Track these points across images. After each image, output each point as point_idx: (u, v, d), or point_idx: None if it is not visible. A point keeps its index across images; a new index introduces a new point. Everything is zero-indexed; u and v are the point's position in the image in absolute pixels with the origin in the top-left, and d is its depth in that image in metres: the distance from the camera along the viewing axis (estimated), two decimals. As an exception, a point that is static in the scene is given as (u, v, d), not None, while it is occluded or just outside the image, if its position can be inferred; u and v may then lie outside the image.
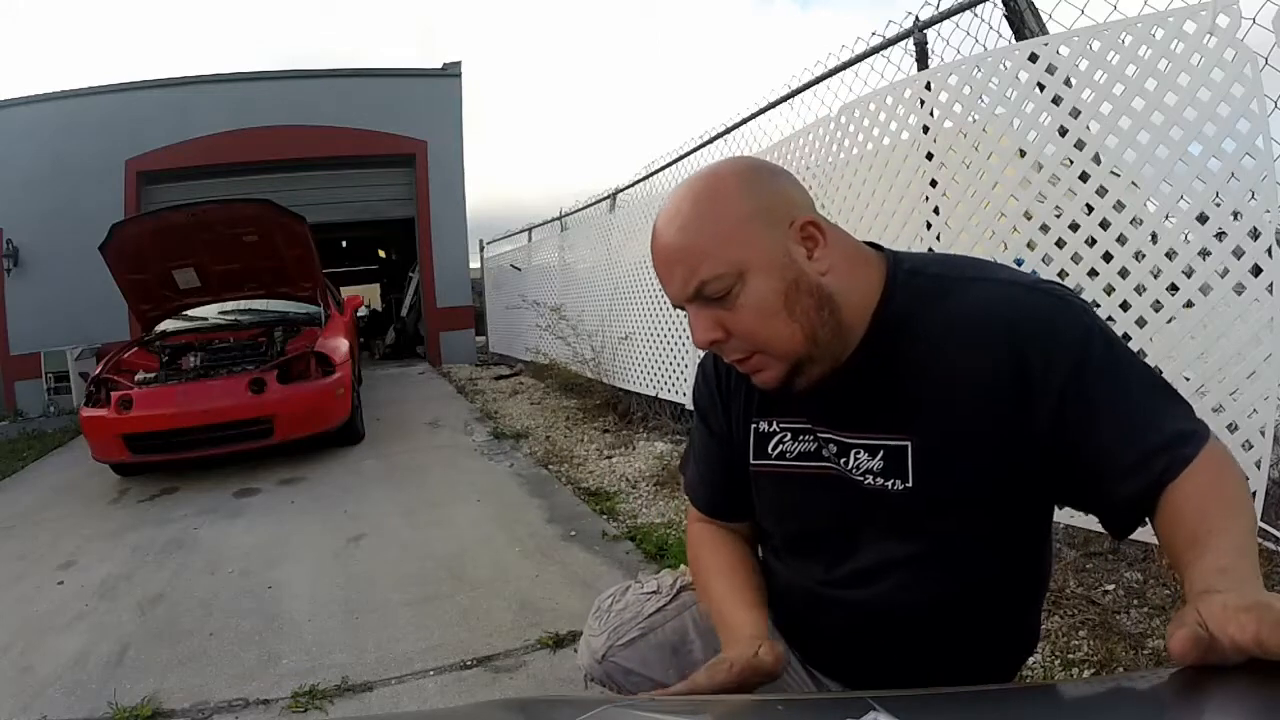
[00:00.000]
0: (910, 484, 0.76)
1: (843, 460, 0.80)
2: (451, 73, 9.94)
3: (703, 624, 0.98)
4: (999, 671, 0.86)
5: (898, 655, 0.81)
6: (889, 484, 0.77)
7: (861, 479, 0.79)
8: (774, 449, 0.86)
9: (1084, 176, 1.96)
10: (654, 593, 1.04)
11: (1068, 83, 1.98)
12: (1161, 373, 0.75)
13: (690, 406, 1.04)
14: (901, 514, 0.77)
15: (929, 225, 2.42)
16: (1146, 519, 0.69)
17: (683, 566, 1.06)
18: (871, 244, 0.82)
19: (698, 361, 1.03)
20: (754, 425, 0.88)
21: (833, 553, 0.83)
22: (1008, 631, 0.84)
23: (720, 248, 0.71)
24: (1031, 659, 1.66)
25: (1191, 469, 0.67)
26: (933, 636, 0.80)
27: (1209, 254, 1.77)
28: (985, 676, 0.83)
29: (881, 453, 0.77)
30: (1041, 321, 0.71)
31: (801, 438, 0.84)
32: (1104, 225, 1.94)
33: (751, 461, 0.89)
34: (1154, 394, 0.71)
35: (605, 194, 6.07)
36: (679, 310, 0.79)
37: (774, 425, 0.86)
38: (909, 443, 0.76)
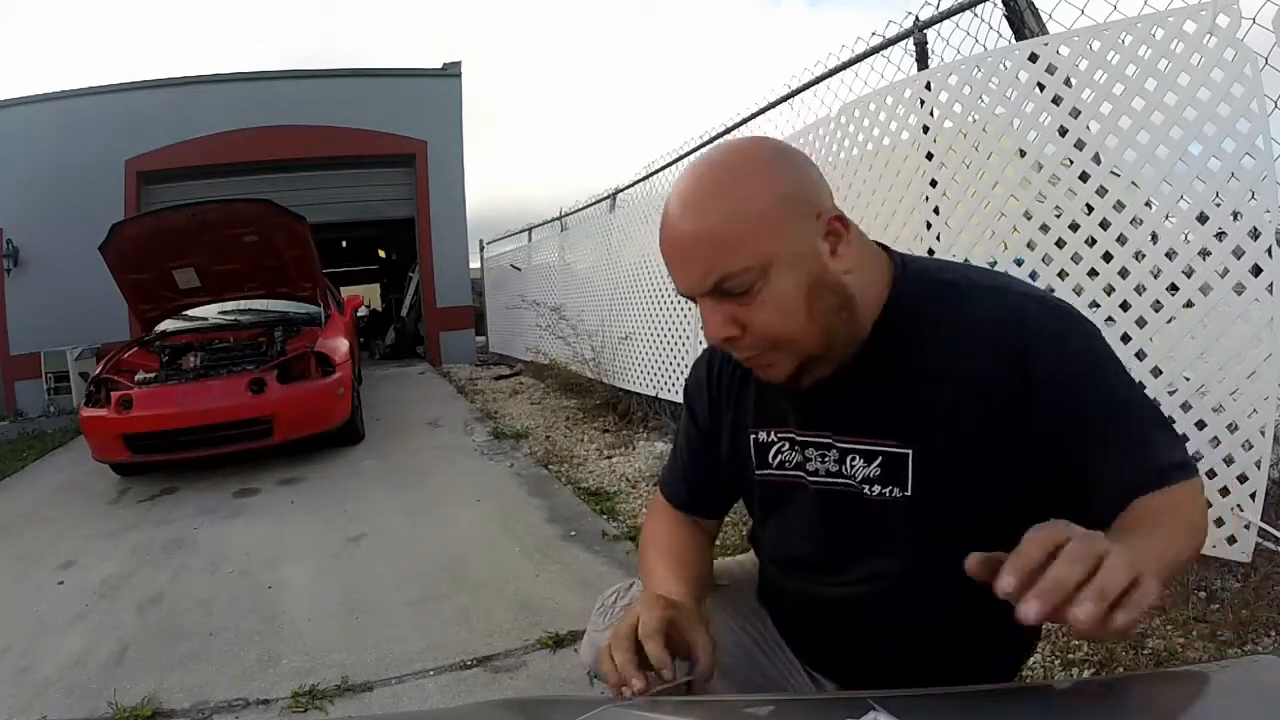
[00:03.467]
0: (909, 492, 0.75)
1: (841, 466, 0.79)
2: (451, 73, 9.93)
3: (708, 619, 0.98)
4: (998, 672, 0.86)
5: (895, 658, 0.81)
6: (887, 491, 0.76)
7: (861, 487, 0.77)
8: (774, 458, 0.85)
9: (1084, 176, 1.96)
10: None
11: (1068, 83, 1.98)
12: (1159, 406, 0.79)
13: None
14: (898, 522, 0.76)
15: (929, 225, 2.42)
16: None
17: None
18: (879, 244, 0.80)
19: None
20: (753, 436, 0.86)
21: (830, 558, 0.83)
22: (1005, 634, 0.84)
23: (748, 237, 0.65)
24: (1031, 659, 1.66)
25: (1165, 490, 0.68)
26: (929, 640, 0.79)
27: (1209, 254, 1.77)
28: (985, 677, 0.82)
29: (880, 459, 0.76)
30: (1054, 337, 0.70)
31: (800, 447, 0.82)
32: (1104, 225, 1.94)
33: (756, 472, 0.88)
34: (1155, 427, 0.72)
35: (605, 194, 6.07)
36: (686, 303, 0.78)
37: (772, 435, 0.85)
38: (910, 451, 0.74)
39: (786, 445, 0.83)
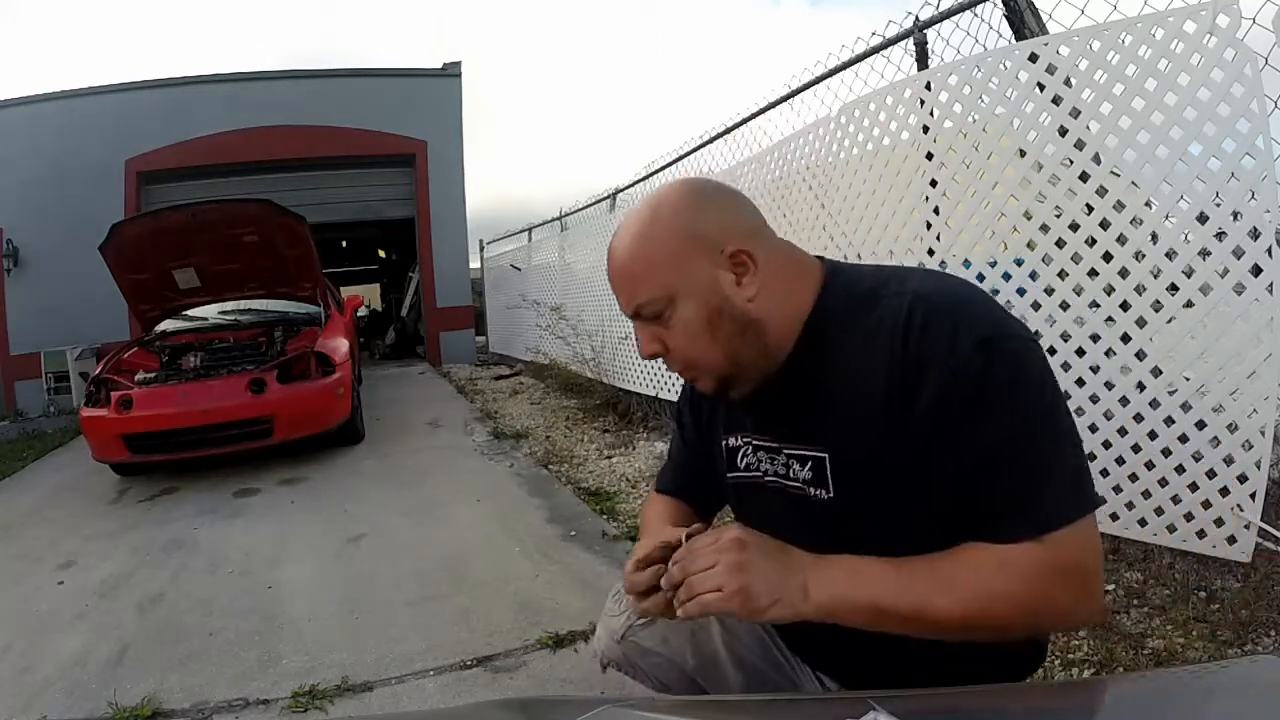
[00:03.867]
0: (832, 494, 0.79)
1: (787, 470, 0.84)
2: (451, 73, 9.93)
3: None
4: (1001, 676, 0.85)
5: (888, 657, 0.80)
6: (817, 493, 0.80)
7: (805, 488, 0.82)
8: (741, 461, 0.91)
9: (1084, 176, 1.96)
10: None
11: (1068, 83, 1.98)
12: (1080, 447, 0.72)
13: None
14: (834, 523, 0.79)
15: (929, 225, 2.42)
16: None
17: None
18: (820, 258, 0.84)
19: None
20: (724, 441, 0.93)
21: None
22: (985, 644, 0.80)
23: (653, 273, 0.77)
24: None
25: (998, 550, 0.67)
26: (909, 640, 0.76)
27: (1209, 254, 1.77)
28: (987, 677, 0.82)
29: (810, 463, 0.81)
30: (941, 336, 0.70)
31: (760, 451, 0.88)
32: (1104, 225, 1.94)
33: (727, 475, 0.93)
34: (1048, 442, 0.69)
35: (605, 194, 6.07)
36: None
37: (738, 439, 0.91)
38: (826, 454, 0.79)
39: (750, 449, 0.89)
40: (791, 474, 0.83)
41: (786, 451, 0.83)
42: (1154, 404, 1.89)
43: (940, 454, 0.70)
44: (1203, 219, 1.76)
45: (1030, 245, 2.11)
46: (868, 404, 0.74)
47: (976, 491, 0.70)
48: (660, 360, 0.82)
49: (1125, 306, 1.92)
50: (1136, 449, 1.92)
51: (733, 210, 0.80)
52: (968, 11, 2.36)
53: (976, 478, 0.69)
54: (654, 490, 1.07)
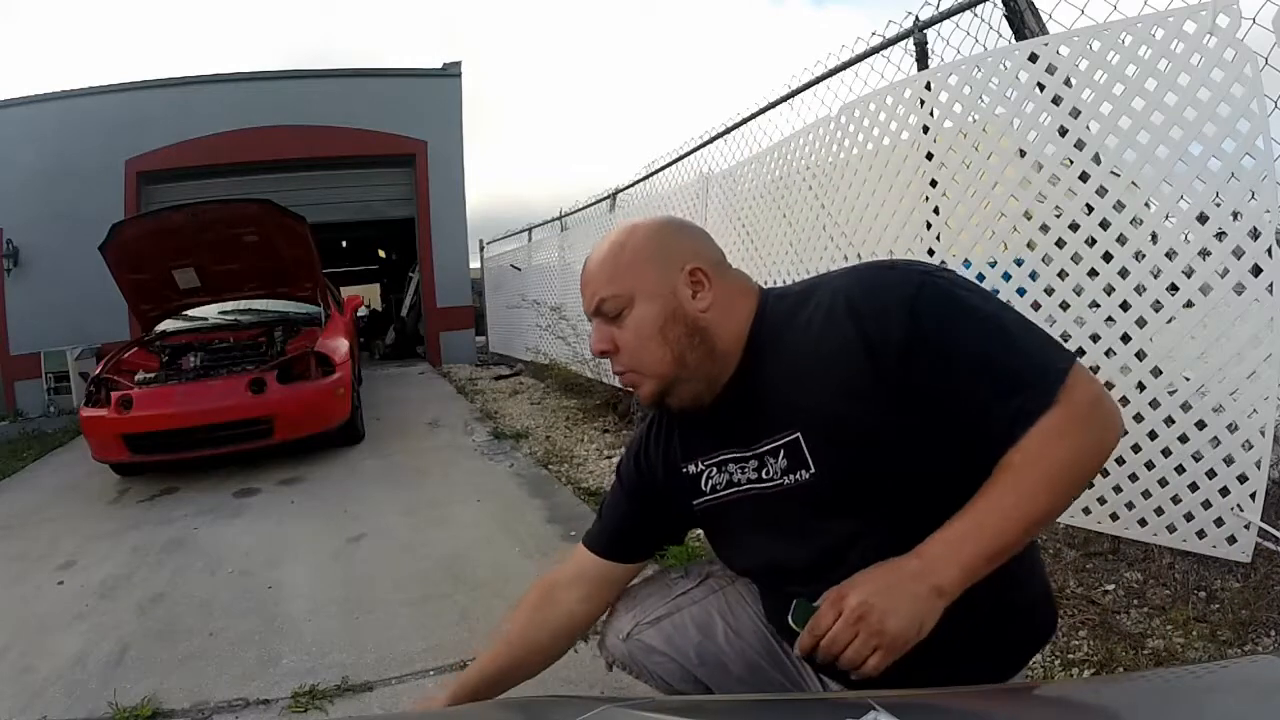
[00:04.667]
0: (813, 470, 0.83)
1: (760, 471, 0.88)
2: (451, 73, 9.93)
3: (728, 607, 1.04)
4: (1000, 657, 0.85)
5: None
6: (797, 476, 0.84)
7: (781, 479, 0.85)
8: (706, 484, 0.94)
9: (1084, 176, 1.96)
10: (681, 577, 1.10)
11: (1068, 83, 1.98)
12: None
13: None
14: (820, 500, 0.83)
15: (929, 225, 2.42)
16: None
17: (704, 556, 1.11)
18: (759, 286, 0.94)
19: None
20: (683, 470, 0.96)
21: (787, 557, 0.87)
22: (986, 613, 0.80)
23: (619, 275, 0.88)
24: (1031, 659, 1.66)
25: (1034, 431, 0.72)
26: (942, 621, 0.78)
27: (1209, 254, 1.77)
28: (984, 662, 0.82)
29: (783, 451, 0.85)
30: (870, 290, 0.81)
31: (728, 465, 0.91)
32: (1104, 225, 1.94)
33: (694, 504, 0.96)
34: (1004, 335, 0.76)
35: (605, 194, 6.07)
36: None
37: (699, 465, 0.94)
38: (798, 434, 0.83)
39: (714, 469, 0.93)
40: (766, 472, 0.87)
41: (756, 450, 0.88)
42: (1154, 404, 1.89)
43: (918, 404, 0.77)
44: (1203, 219, 1.76)
45: (1030, 245, 2.11)
46: (823, 376, 0.81)
47: (976, 414, 0.75)
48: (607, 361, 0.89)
49: (1125, 306, 1.92)
50: (1136, 449, 1.92)
51: (700, 241, 0.93)
52: (968, 11, 2.36)
53: (968, 405, 0.75)
54: (580, 545, 1.09)
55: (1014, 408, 0.73)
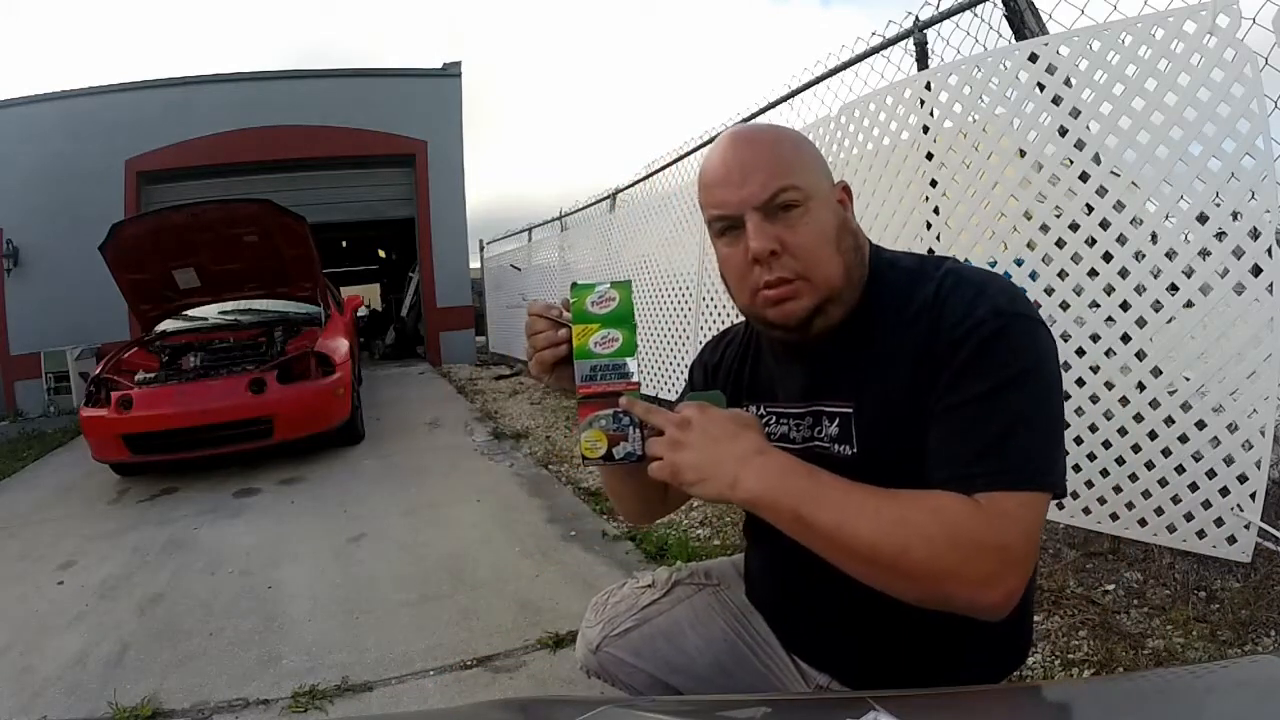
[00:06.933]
0: (854, 450, 0.79)
1: (813, 430, 0.84)
2: (451, 73, 9.94)
3: (696, 617, 1.00)
4: (987, 654, 0.82)
5: (886, 653, 0.80)
6: (841, 450, 0.81)
7: (829, 446, 0.82)
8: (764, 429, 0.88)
9: (1084, 176, 1.96)
10: (649, 586, 1.07)
11: (1068, 83, 1.98)
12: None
13: None
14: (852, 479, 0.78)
15: (929, 225, 2.42)
16: None
17: (678, 563, 1.09)
18: None
19: (696, 358, 1.07)
20: (746, 408, 0.91)
21: None
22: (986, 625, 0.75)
23: (803, 166, 0.78)
24: (1031, 659, 1.66)
25: (948, 500, 0.67)
26: (902, 617, 0.74)
27: (1209, 254, 1.77)
28: (972, 659, 0.80)
29: (838, 419, 0.81)
30: (959, 306, 0.74)
31: (786, 419, 0.88)
32: (1104, 225, 1.94)
33: None
34: (1031, 410, 0.70)
35: (605, 194, 6.07)
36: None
37: (761, 409, 0.90)
38: (851, 409, 0.80)
39: (773, 419, 0.89)
40: (819, 432, 0.83)
41: (816, 408, 0.83)
42: (1154, 404, 1.89)
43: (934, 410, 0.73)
44: (1203, 219, 1.76)
45: (1030, 245, 2.12)
46: (896, 365, 0.77)
47: (947, 435, 0.71)
48: (756, 268, 0.77)
49: (1125, 306, 1.92)
50: (1136, 449, 1.91)
51: None
52: (968, 11, 2.36)
53: (952, 421, 0.71)
54: None
55: (967, 466, 0.68)
